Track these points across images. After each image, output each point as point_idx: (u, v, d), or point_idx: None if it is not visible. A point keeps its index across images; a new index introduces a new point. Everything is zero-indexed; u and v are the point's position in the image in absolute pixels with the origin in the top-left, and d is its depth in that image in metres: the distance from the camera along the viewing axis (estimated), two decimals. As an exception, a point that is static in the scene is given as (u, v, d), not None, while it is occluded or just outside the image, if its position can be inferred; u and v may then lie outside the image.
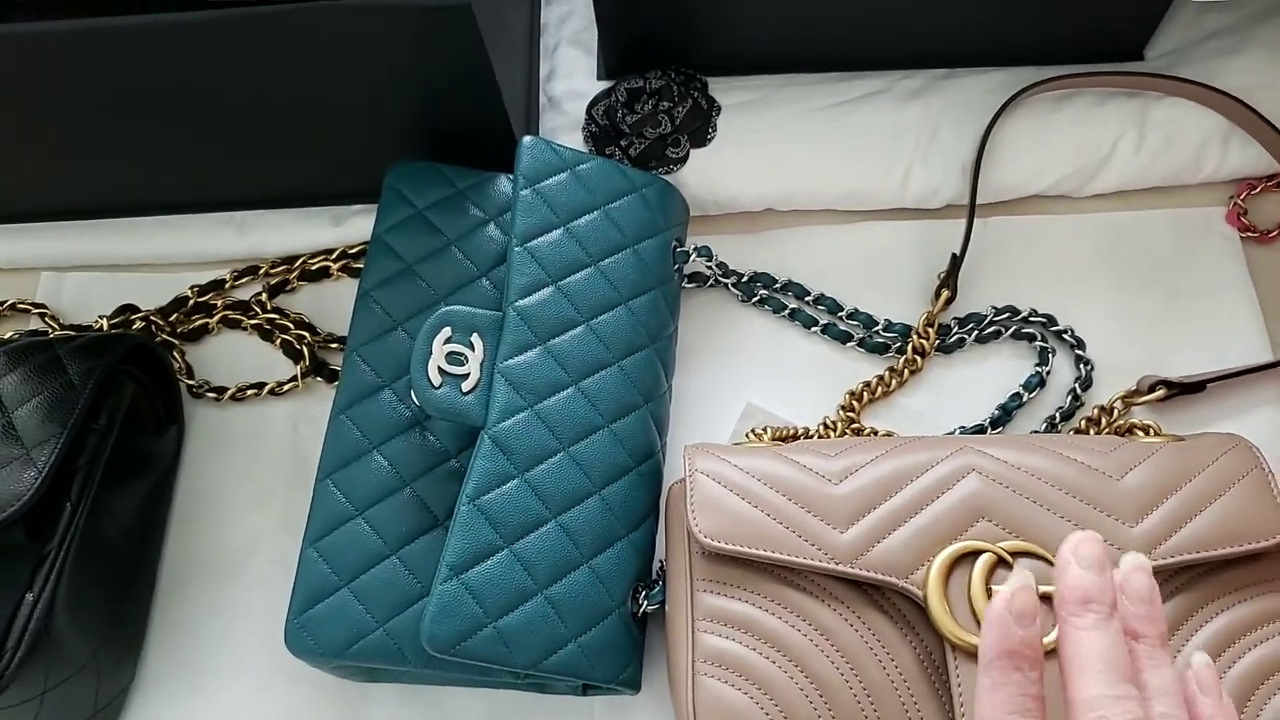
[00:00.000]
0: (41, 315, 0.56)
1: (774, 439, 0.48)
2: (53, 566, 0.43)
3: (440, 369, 0.45)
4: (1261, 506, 0.41)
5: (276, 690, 0.47)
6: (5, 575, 0.42)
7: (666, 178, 0.54)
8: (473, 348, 0.46)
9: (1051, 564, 0.39)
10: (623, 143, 0.55)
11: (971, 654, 0.38)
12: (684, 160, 0.55)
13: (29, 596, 0.42)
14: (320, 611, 0.43)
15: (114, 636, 0.47)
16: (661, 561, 0.45)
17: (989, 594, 0.39)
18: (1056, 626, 0.31)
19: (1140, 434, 0.48)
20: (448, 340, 0.45)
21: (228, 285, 0.57)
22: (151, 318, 0.56)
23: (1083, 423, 0.50)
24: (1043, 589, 0.33)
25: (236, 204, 0.57)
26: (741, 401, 0.52)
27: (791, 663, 0.40)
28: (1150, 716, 0.30)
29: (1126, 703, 0.29)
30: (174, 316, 0.56)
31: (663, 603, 0.43)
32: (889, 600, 0.41)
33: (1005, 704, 0.30)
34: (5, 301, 0.57)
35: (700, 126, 0.55)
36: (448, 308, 0.46)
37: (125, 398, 0.49)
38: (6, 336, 0.56)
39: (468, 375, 0.45)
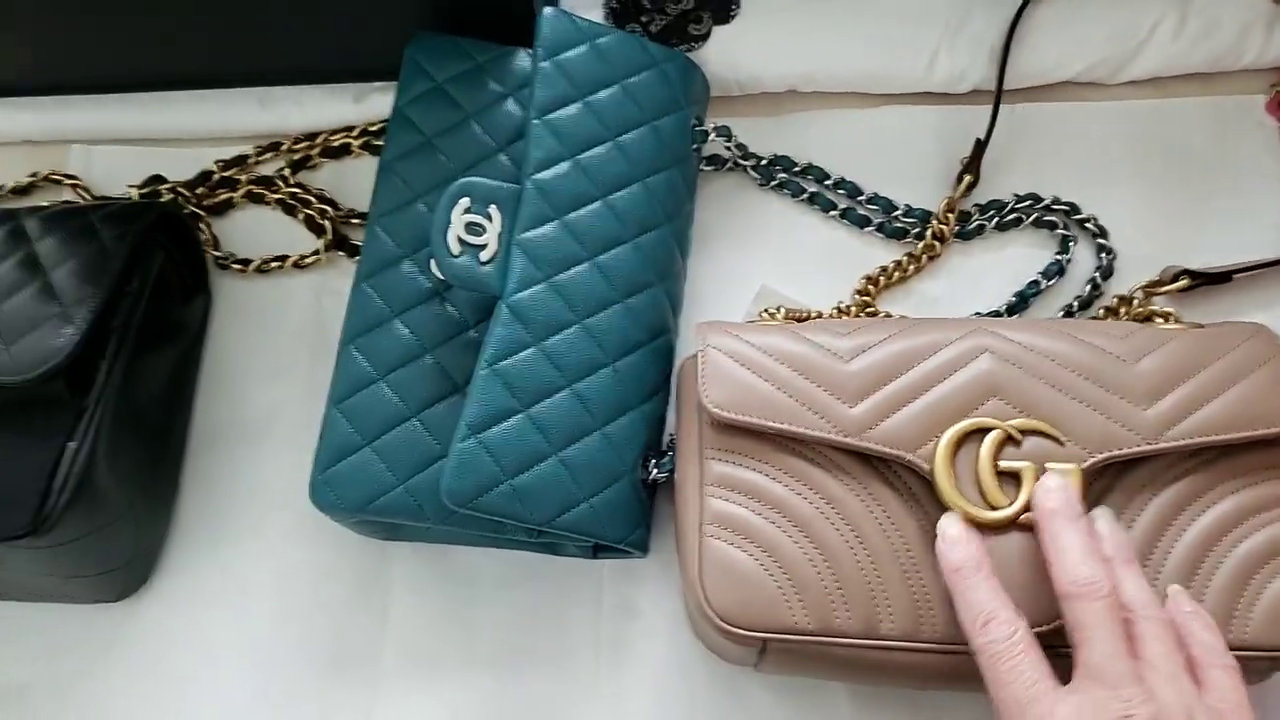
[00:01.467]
0: (74, 186, 0.57)
1: (786, 319, 0.48)
2: (92, 418, 0.45)
3: (459, 238, 0.45)
4: (1277, 394, 0.41)
5: (300, 544, 0.50)
6: (48, 424, 0.44)
7: (688, 55, 0.53)
8: (491, 219, 0.46)
9: (1060, 443, 0.40)
10: (644, 19, 0.54)
11: (975, 526, 0.39)
12: (706, 37, 0.54)
13: (71, 445, 0.44)
14: (343, 469, 0.45)
15: (149, 489, 0.49)
16: (671, 435, 0.46)
17: (996, 470, 0.40)
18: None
19: (1159, 321, 0.48)
20: (467, 210, 0.46)
21: (251, 160, 0.57)
22: (179, 190, 0.56)
23: (1101, 312, 0.50)
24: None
25: (260, 78, 0.57)
26: (756, 286, 0.52)
27: (796, 528, 0.41)
28: (1122, 595, 0.35)
29: (1098, 566, 0.36)
30: (200, 190, 0.57)
31: (672, 472, 0.44)
32: (895, 474, 0.42)
33: (970, 602, 0.37)
34: (38, 173, 0.58)
35: (723, 3, 0.54)
36: (467, 179, 0.46)
37: (155, 265, 0.50)
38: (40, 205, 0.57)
39: (486, 245, 0.46)
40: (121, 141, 0.59)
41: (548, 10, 0.49)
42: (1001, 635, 0.35)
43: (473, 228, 0.46)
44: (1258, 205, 0.51)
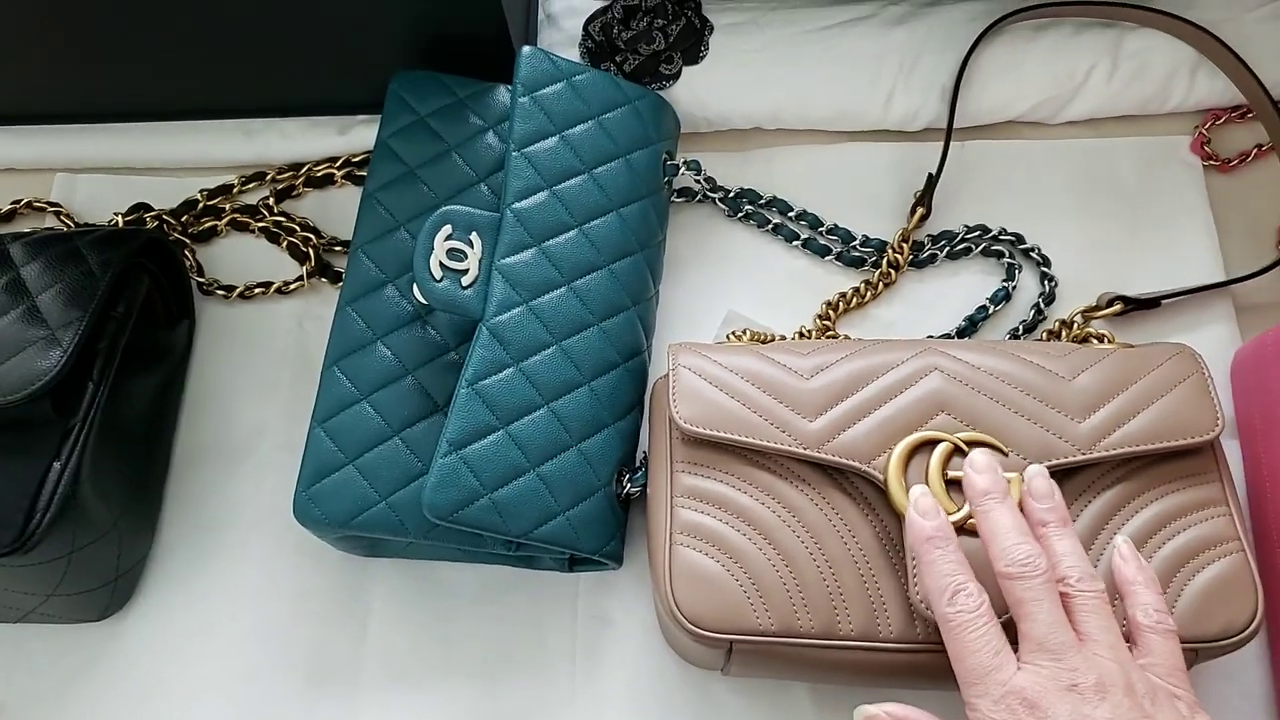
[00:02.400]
0: (56, 214, 0.59)
1: (752, 341, 0.51)
2: (77, 439, 0.46)
3: (441, 264, 0.47)
4: (1198, 407, 0.44)
5: (282, 562, 0.51)
6: (35, 444, 0.45)
7: (659, 93, 0.56)
8: (472, 245, 0.48)
9: (1004, 453, 0.43)
10: (617, 58, 0.57)
11: (926, 533, 0.42)
12: (676, 77, 0.57)
13: (56, 465, 0.45)
14: (327, 485, 0.46)
15: (133, 509, 0.50)
16: (644, 452, 0.48)
17: (945, 479, 0.43)
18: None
19: (1095, 342, 0.51)
20: (448, 237, 0.48)
21: (236, 190, 0.59)
22: (164, 217, 0.58)
23: (1044, 335, 0.54)
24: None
25: (245, 111, 0.59)
26: (724, 310, 0.55)
27: (761, 536, 0.43)
28: (1060, 568, 0.37)
29: (1032, 544, 0.38)
30: (185, 218, 0.58)
31: (644, 486, 0.47)
32: (852, 483, 0.44)
33: (939, 572, 0.39)
34: (21, 200, 0.59)
35: (693, 45, 0.57)
36: (449, 207, 0.48)
37: (141, 290, 0.51)
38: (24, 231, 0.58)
39: (467, 271, 0.48)
40: (106, 170, 0.60)
41: (526, 49, 0.52)
42: (969, 606, 0.37)
43: (454, 254, 0.48)
44: (1183, 237, 0.55)
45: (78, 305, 0.48)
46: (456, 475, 0.44)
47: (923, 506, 0.40)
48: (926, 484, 0.43)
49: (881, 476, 0.43)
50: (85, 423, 0.47)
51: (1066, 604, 0.37)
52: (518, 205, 0.49)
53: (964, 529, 0.42)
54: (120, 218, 0.58)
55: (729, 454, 0.45)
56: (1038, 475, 0.41)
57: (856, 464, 0.43)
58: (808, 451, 0.44)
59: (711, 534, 0.43)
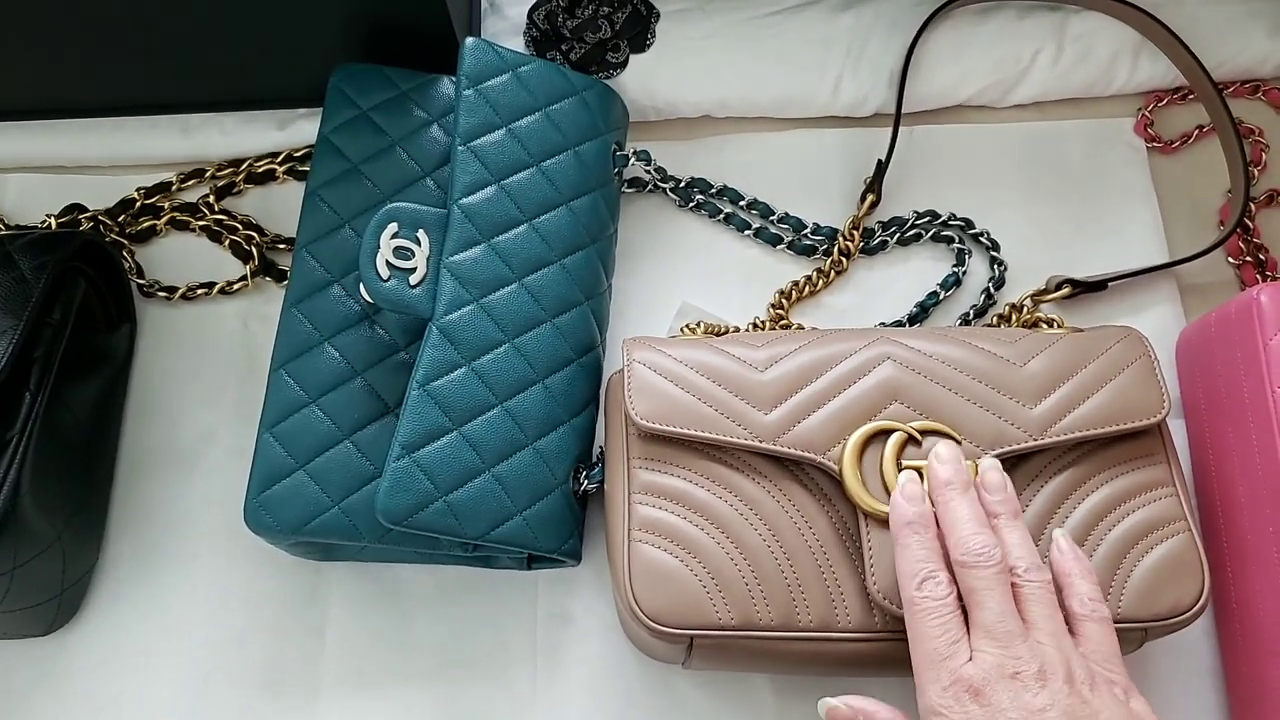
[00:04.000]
0: (-14, 216, 0.57)
1: (706, 334, 0.51)
2: (15, 452, 0.45)
3: (388, 263, 0.46)
4: (1145, 390, 0.45)
5: (234, 568, 0.50)
6: (-31, 460, 0.44)
7: (606, 83, 0.55)
8: (419, 243, 0.47)
9: (958, 441, 0.43)
10: (563, 47, 0.56)
11: (882, 521, 0.42)
12: (623, 65, 0.56)
13: (-7, 480, 0.44)
14: (278, 491, 0.45)
15: (77, 520, 0.49)
16: (600, 447, 0.48)
17: (899, 468, 0.43)
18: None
19: (1045, 327, 0.52)
20: (394, 235, 0.47)
21: (174, 188, 0.58)
22: (100, 218, 0.56)
23: (995, 319, 0.54)
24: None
25: (181, 106, 0.58)
26: (678, 301, 0.54)
27: (719, 529, 0.43)
28: (1008, 555, 0.39)
29: (988, 536, 0.38)
30: (122, 217, 0.57)
31: (601, 482, 0.47)
32: (808, 475, 0.44)
33: (914, 557, 0.39)
34: (-53, 202, 0.57)
35: (640, 33, 0.56)
36: (394, 204, 0.47)
37: (77, 294, 0.50)
38: (-49, 236, 0.56)
39: (414, 270, 0.47)
40: (36, 169, 0.58)
41: (469, 40, 0.51)
42: (936, 594, 0.38)
43: (401, 252, 0.47)
44: (1128, 219, 0.56)
45: (11, 313, 0.46)
46: (410, 479, 0.44)
47: (909, 492, 0.41)
48: (881, 473, 0.43)
49: (837, 467, 0.43)
50: (23, 435, 0.45)
51: (1014, 593, 0.38)
52: (465, 201, 0.48)
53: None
54: (53, 219, 0.56)
55: (685, 448, 0.45)
56: (991, 469, 0.42)
57: (812, 455, 0.44)
58: (763, 445, 0.44)
59: (669, 529, 0.43)
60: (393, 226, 0.47)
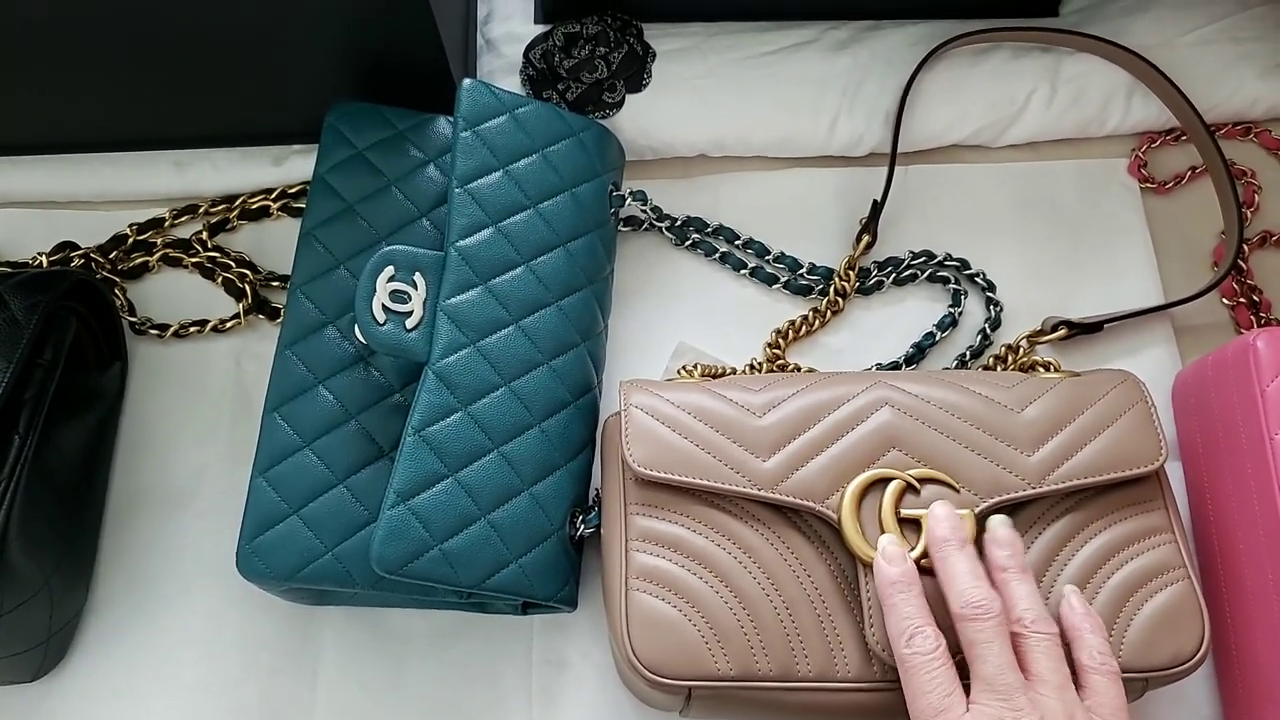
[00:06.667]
0: (-24, 253, 0.56)
1: (703, 375, 0.51)
2: (4, 495, 0.44)
3: (384, 306, 0.46)
4: (1143, 437, 0.45)
5: (226, 612, 0.49)
6: (-44, 506, 0.43)
7: (603, 122, 0.55)
8: (415, 286, 0.47)
9: (955, 490, 0.43)
10: (560, 86, 0.56)
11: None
12: (620, 105, 0.56)
13: (-20, 524, 0.43)
14: (270, 537, 0.45)
15: (65, 564, 0.48)
16: (597, 489, 0.48)
17: (898, 517, 0.43)
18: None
19: (1041, 370, 0.52)
20: (391, 278, 0.47)
21: (167, 224, 0.57)
22: (91, 255, 0.56)
23: (991, 360, 0.54)
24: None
25: (175, 142, 0.57)
26: (674, 341, 0.54)
27: (717, 578, 0.43)
28: (1015, 610, 0.39)
29: (986, 589, 0.40)
30: (114, 254, 0.56)
31: (598, 527, 0.46)
32: (807, 522, 0.44)
33: (900, 615, 0.40)
34: (-64, 238, 0.56)
35: (636, 72, 0.56)
36: (390, 247, 0.47)
37: (69, 334, 0.49)
38: (-60, 273, 0.55)
39: (411, 313, 0.47)
40: (28, 205, 0.58)
41: (467, 81, 0.51)
42: (926, 648, 0.38)
43: (397, 295, 0.47)
44: (1123, 259, 0.56)
45: (1, 355, 0.45)
46: (405, 527, 0.43)
47: (890, 554, 0.41)
48: (880, 522, 0.43)
49: (836, 516, 0.43)
50: (12, 480, 0.45)
51: (1020, 644, 0.39)
52: (462, 243, 0.48)
53: (920, 566, 0.42)
54: (45, 258, 0.55)
55: (683, 495, 0.44)
56: (1000, 525, 0.42)
57: (811, 504, 0.43)
58: (762, 493, 0.44)
59: (668, 578, 0.43)
60: (389, 269, 0.47)
